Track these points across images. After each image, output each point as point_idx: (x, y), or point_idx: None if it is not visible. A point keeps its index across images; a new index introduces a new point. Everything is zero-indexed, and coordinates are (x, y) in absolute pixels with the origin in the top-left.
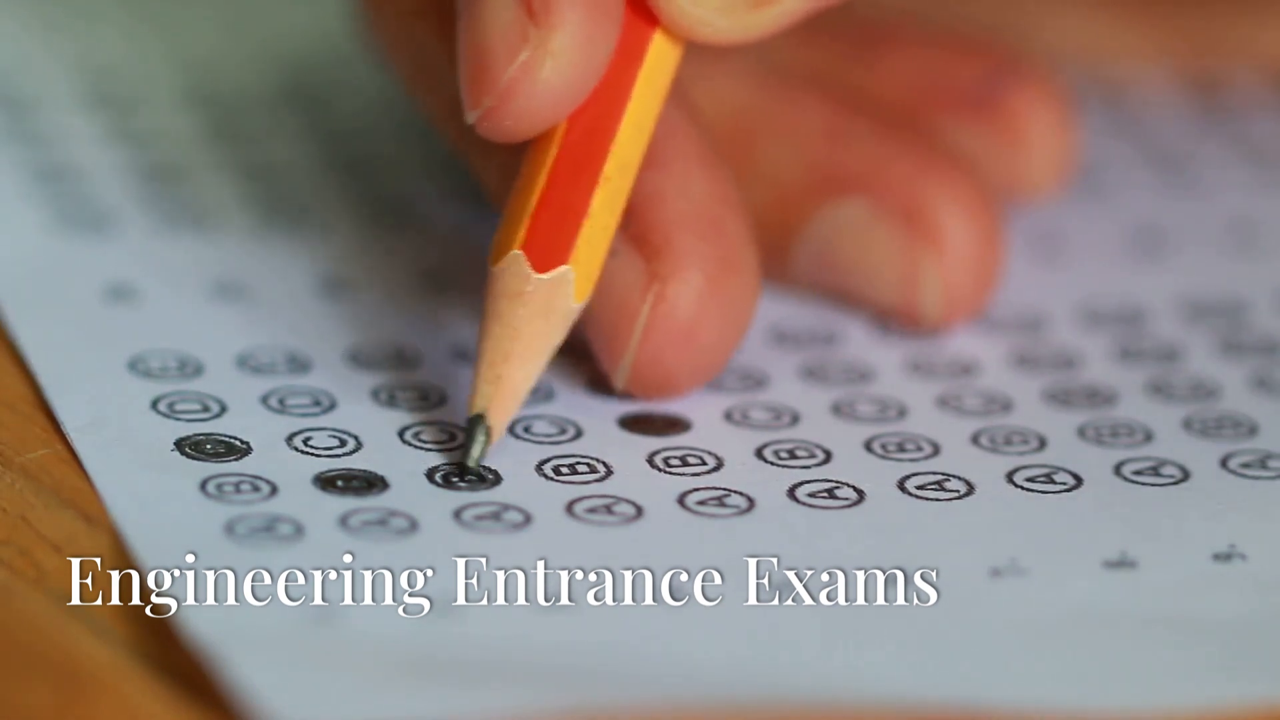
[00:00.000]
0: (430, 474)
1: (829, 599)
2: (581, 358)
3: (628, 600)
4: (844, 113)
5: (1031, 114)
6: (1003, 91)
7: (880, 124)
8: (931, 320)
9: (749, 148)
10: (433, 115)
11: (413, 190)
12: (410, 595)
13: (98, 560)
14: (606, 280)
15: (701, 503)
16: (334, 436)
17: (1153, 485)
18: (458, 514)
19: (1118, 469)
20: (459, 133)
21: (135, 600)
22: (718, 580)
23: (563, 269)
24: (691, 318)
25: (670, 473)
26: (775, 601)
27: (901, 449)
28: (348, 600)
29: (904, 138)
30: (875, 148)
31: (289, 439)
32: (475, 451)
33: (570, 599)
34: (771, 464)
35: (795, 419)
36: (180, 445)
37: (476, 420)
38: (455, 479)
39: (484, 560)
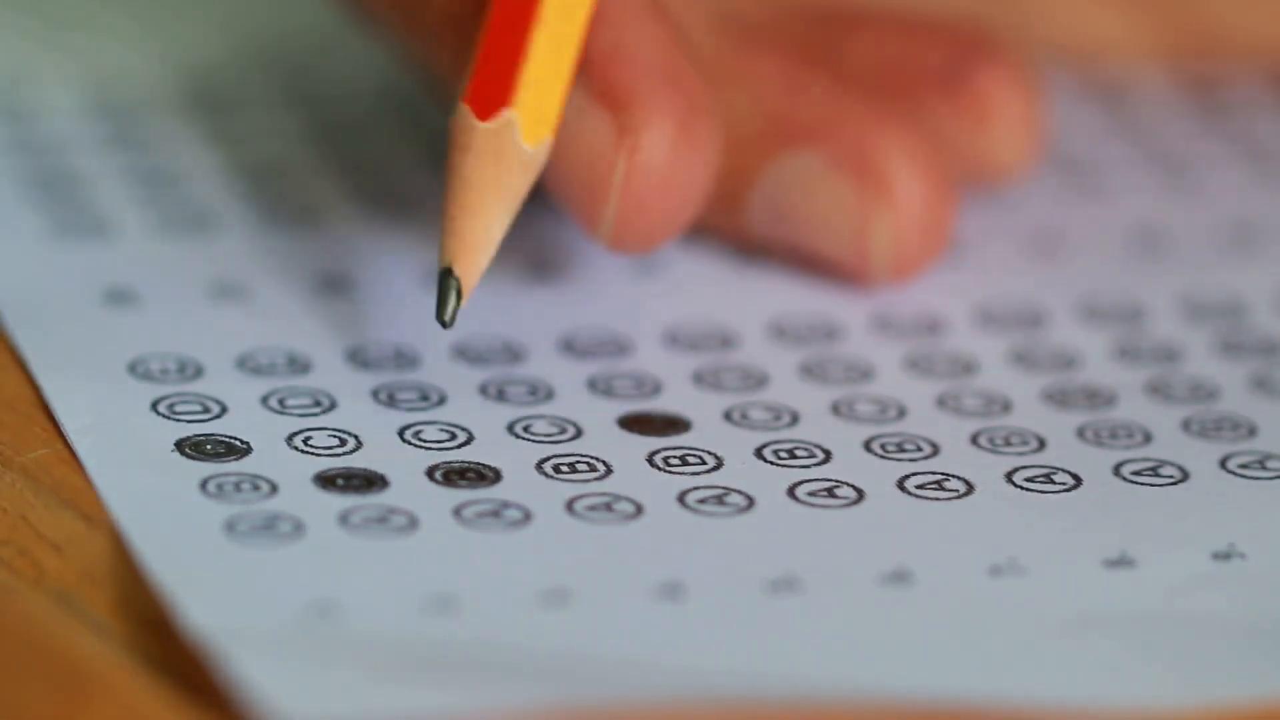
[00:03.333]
0: (430, 472)
1: (829, 599)
2: (582, 356)
3: (627, 599)
4: (802, 66)
5: (998, 93)
6: (969, 71)
7: (834, 79)
8: (880, 275)
9: None
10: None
11: (413, 189)
12: (410, 593)
13: (98, 560)
14: (575, 141)
15: (701, 501)
16: (334, 436)
17: (1152, 485)
18: (457, 511)
19: (1117, 469)
20: (403, 21)
21: (135, 600)
22: (718, 579)
23: (505, 113)
24: (667, 164)
25: (670, 472)
26: (775, 601)
27: (901, 449)
28: (347, 598)
29: (860, 93)
30: (831, 101)
31: (289, 439)
32: (450, 304)
33: (570, 597)
34: (771, 463)
35: (795, 419)
36: (180, 445)
37: (445, 274)
38: (443, 321)
39: (484, 558)
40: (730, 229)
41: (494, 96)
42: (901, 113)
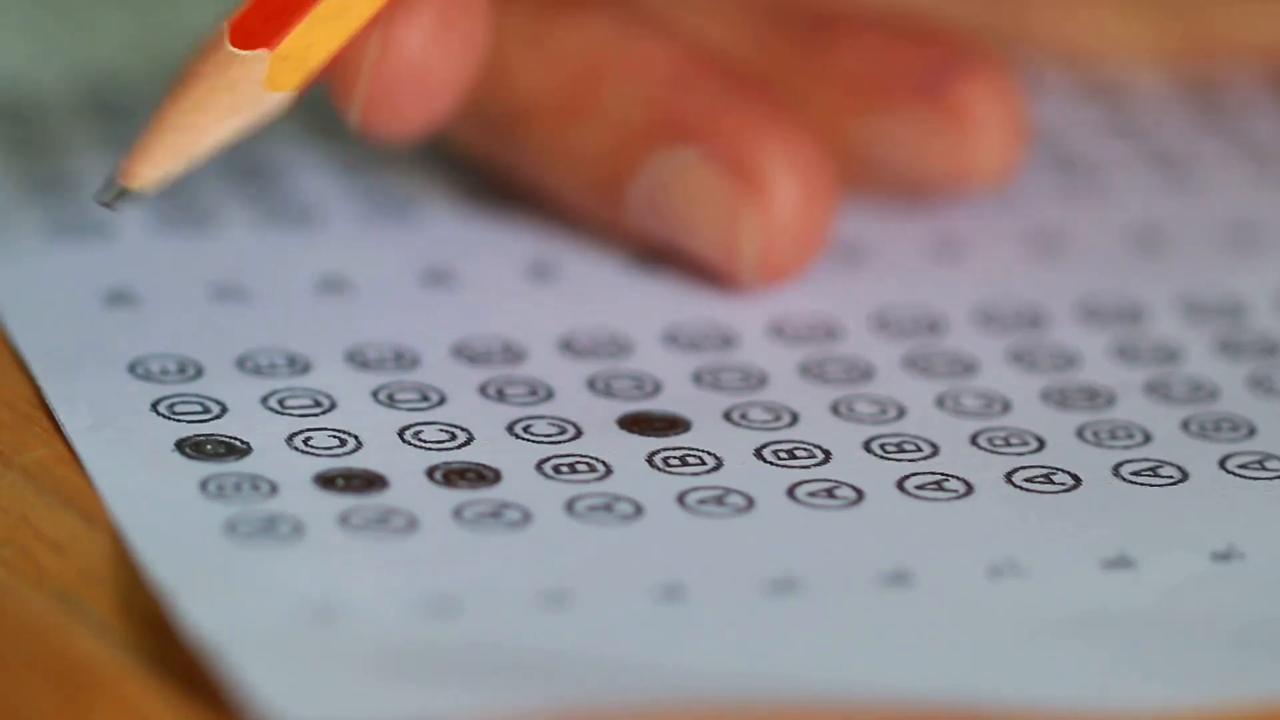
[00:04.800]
0: (430, 472)
1: (828, 599)
2: (581, 356)
3: (627, 600)
4: (690, 61)
5: (979, 99)
6: (950, 77)
7: (724, 76)
8: (748, 278)
9: (596, 86)
10: None
11: (413, 189)
12: (410, 594)
13: (98, 560)
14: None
15: (701, 502)
16: (334, 436)
17: (1151, 486)
18: (457, 512)
19: (1116, 469)
20: None
21: (135, 600)
22: (718, 580)
23: (262, 53)
24: (421, 56)
25: (670, 472)
26: (775, 602)
27: (901, 449)
28: (347, 599)
29: (748, 92)
30: (715, 98)
31: (289, 439)
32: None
33: (570, 598)
34: (771, 464)
35: (794, 419)
36: (180, 446)
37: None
38: None
39: (484, 559)
40: (612, 223)
41: (260, 33)
42: (790, 112)
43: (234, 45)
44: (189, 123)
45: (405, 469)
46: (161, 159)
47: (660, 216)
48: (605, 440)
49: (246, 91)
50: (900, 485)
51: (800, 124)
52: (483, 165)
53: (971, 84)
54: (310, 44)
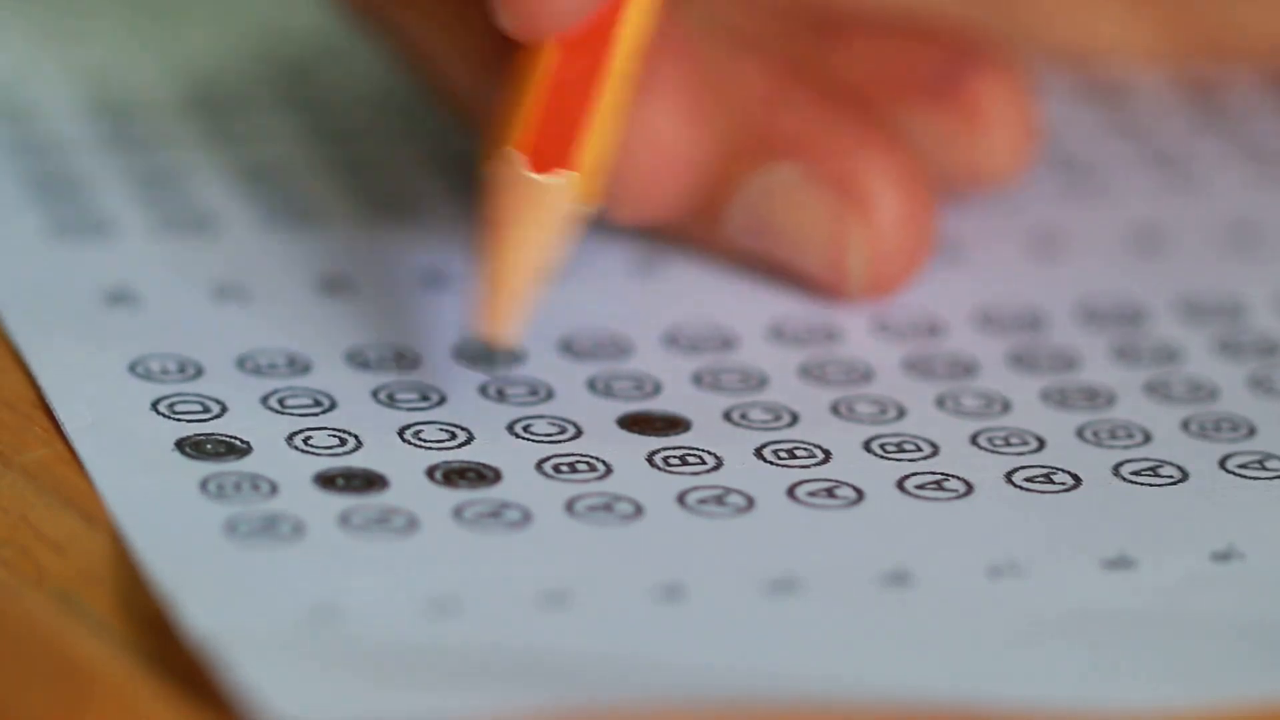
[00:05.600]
0: (430, 472)
1: (828, 599)
2: (582, 356)
3: (627, 599)
4: (785, 78)
5: (991, 99)
6: (962, 77)
7: (820, 93)
8: (856, 291)
9: None
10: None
11: (413, 189)
12: (410, 594)
13: (98, 560)
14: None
15: (701, 501)
16: (334, 436)
17: (1151, 485)
18: (457, 512)
19: (1116, 469)
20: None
21: (135, 600)
22: (717, 579)
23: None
24: (673, 143)
25: (670, 472)
26: (775, 601)
27: (901, 449)
28: (347, 600)
29: (843, 108)
30: (812, 114)
31: (289, 439)
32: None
33: (570, 598)
34: (771, 464)
35: (794, 419)
36: (180, 445)
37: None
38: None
39: (484, 559)
40: (710, 239)
41: (555, 154)
42: (885, 127)
43: (535, 172)
44: (523, 263)
45: (405, 469)
46: (515, 311)
47: (761, 233)
48: (605, 440)
49: (560, 212)
50: (900, 485)
51: (895, 137)
52: None
53: (984, 83)
54: (600, 148)
